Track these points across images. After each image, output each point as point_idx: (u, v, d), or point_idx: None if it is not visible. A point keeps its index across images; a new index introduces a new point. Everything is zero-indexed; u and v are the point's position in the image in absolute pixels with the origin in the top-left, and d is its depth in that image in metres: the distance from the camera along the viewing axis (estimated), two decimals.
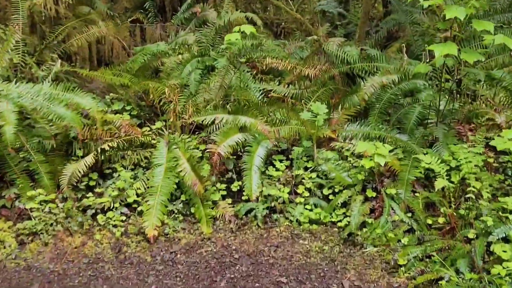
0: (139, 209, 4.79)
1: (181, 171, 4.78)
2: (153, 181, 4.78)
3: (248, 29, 5.42)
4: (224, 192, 4.97)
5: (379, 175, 4.69)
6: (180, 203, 4.83)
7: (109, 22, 7.72)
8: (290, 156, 5.32)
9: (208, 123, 5.30)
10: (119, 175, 5.09)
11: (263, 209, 4.74)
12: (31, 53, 5.91)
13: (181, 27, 7.81)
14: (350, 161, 4.91)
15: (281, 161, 5.30)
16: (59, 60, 5.53)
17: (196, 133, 5.66)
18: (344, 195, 4.61)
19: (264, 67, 6.49)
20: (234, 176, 5.10)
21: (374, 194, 4.57)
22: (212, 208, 4.79)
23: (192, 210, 4.79)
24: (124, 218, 4.76)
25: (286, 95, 6.19)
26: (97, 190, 5.01)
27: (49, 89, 5.04)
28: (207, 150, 4.96)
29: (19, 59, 5.61)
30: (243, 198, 4.88)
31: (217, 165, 4.80)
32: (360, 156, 4.82)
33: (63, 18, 6.45)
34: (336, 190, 4.76)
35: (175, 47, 6.83)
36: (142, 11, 8.36)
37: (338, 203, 4.61)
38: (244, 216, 4.78)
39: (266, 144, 5.09)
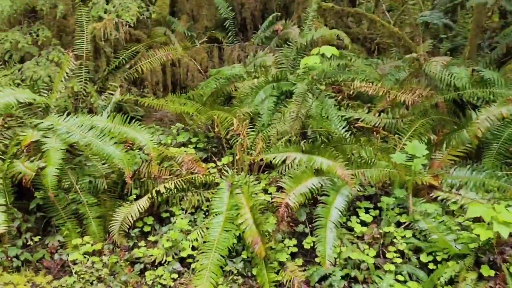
0: (193, 265, 4.06)
1: (242, 223, 3.99)
2: (209, 234, 4.04)
3: (329, 51, 4.56)
4: (294, 249, 4.10)
5: (499, 243, 3.54)
6: (240, 261, 4.04)
7: (186, 43, 7.25)
8: (378, 204, 4.34)
9: (278, 162, 4.48)
10: (176, 221, 4.44)
11: (341, 276, 3.79)
12: (94, 80, 5.50)
13: (261, 46, 7.10)
14: (457, 219, 3.81)
15: (367, 210, 4.34)
16: (119, 89, 5.02)
17: (267, 172, 4.86)
18: (450, 269, 3.52)
19: (351, 91, 5.54)
20: (307, 230, 4.21)
21: (492, 273, 3.43)
22: (278, 271, 3.92)
23: (254, 271, 3.96)
24: (176, 276, 4.06)
25: (376, 125, 5.21)
26: (151, 238, 4.37)
27: (105, 122, 4.53)
28: (273, 200, 4.11)
29: (81, 87, 5.20)
30: (317, 258, 3.97)
31: (284, 219, 3.93)
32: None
33: (128, 42, 5.97)
34: (439, 259, 3.68)
35: (251, 70, 6.11)
36: (222, 30, 7.78)
37: (441, 280, 3.52)
38: (317, 284, 3.86)
39: (347, 192, 4.14)
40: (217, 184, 4.59)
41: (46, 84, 4.97)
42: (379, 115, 5.32)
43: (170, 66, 6.80)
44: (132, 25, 5.11)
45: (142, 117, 5.75)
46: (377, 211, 4.32)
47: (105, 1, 5.19)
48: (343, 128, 5.03)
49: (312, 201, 4.36)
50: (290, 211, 3.98)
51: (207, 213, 4.51)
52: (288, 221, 4.27)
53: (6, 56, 5.47)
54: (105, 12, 4.93)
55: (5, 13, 5.22)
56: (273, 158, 4.46)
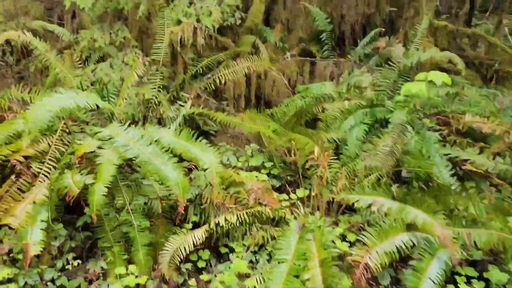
0: None
1: (308, 279, 3.27)
2: (268, 286, 3.36)
3: (439, 77, 3.70)
4: None
5: None
6: None
7: (275, 55, 6.68)
8: (484, 274, 3.43)
9: (362, 206, 3.71)
10: (235, 260, 3.83)
11: None
12: (169, 88, 5.06)
13: (358, 64, 6.32)
14: None
15: (469, 279, 3.44)
16: (190, 101, 4.51)
17: (347, 214, 4.11)
18: None
19: (460, 126, 4.66)
20: None
21: None
22: None
23: None
24: None
25: (489, 170, 4.26)
26: (204, 276, 3.78)
27: (169, 137, 4.04)
28: (351, 258, 3.34)
29: (152, 95, 4.77)
30: None
31: (361, 284, 3.16)
32: None
33: (213, 49, 5.50)
34: None
35: (343, 90, 5.39)
36: (317, 43, 7.10)
37: None
38: None
39: (445, 257, 3.28)
40: (287, 222, 3.93)
41: (116, 89, 4.61)
42: (494, 159, 4.36)
43: (256, 78, 6.26)
44: (212, 30, 4.58)
45: (216, 132, 5.22)
46: (483, 284, 3.41)
47: (188, 3, 4.73)
48: (447, 172, 4.13)
49: (399, 259, 3.55)
50: (369, 273, 3.20)
51: (272, 254, 3.86)
52: (367, 278, 3.49)
53: (84, 55, 5.23)
54: (185, 15, 4.46)
55: (86, 9, 4.96)
56: (356, 201, 3.71)
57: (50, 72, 5.10)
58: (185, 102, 4.55)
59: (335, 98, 5.18)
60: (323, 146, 4.27)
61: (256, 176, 4.50)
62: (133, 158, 3.89)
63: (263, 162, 4.73)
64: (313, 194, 4.09)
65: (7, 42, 5.82)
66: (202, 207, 4.12)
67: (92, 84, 4.60)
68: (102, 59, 5.27)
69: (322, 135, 4.63)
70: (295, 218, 3.99)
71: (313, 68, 6.73)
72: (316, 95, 5.32)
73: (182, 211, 3.54)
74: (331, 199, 4.05)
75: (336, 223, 3.99)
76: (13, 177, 3.84)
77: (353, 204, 3.85)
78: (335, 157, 4.40)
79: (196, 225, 4.02)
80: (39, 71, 5.46)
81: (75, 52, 5.21)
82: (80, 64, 5.20)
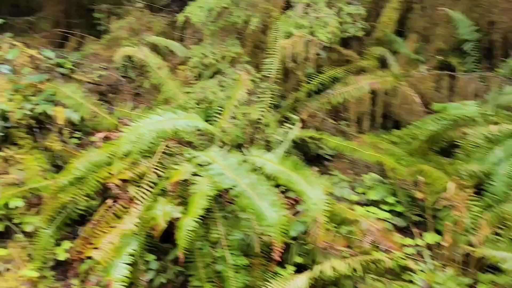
0: None
1: None
2: None
3: None
4: None
5: None
6: None
7: (406, 67, 5.89)
8: None
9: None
10: None
11: None
12: (279, 108, 4.58)
13: (511, 80, 5.26)
14: None
15: None
16: (299, 123, 3.97)
17: (489, 271, 3.24)
18: None
19: None
20: None
21: None
22: None
23: None
24: None
25: None
26: None
27: (273, 165, 3.55)
28: None
29: (260, 115, 4.33)
30: None
31: None
32: None
33: (334, 62, 4.93)
34: None
35: (489, 112, 4.46)
36: (459, 54, 6.14)
37: None
38: None
39: None
40: (409, 276, 3.19)
41: (222, 109, 4.25)
42: None
43: (383, 94, 5.53)
44: (328, 43, 4.00)
45: (332, 157, 4.62)
46: None
47: (302, 13, 4.22)
48: None
49: None
50: None
51: None
52: None
53: (197, 72, 4.98)
54: (296, 27, 3.95)
55: (199, 22, 4.71)
56: (502, 259, 2.85)
57: (162, 89, 4.94)
58: (293, 124, 4.02)
59: (479, 121, 4.28)
60: (460, 183, 3.45)
61: (375, 213, 3.82)
62: (231, 188, 3.48)
63: (385, 196, 4.02)
64: (445, 243, 3.29)
65: (129, 57, 5.84)
66: (306, 247, 3.55)
67: (198, 103, 4.30)
68: (215, 75, 4.99)
69: (460, 168, 3.80)
70: (421, 271, 3.25)
71: (453, 84, 5.79)
72: (455, 117, 4.46)
73: (278, 258, 3.00)
74: (469, 252, 3.21)
75: (474, 282, 3.15)
76: (109, 201, 3.66)
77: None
78: (476, 197, 3.55)
79: (300, 268, 3.47)
80: (154, 87, 5.35)
81: (188, 68, 4.98)
82: (194, 81, 4.98)
